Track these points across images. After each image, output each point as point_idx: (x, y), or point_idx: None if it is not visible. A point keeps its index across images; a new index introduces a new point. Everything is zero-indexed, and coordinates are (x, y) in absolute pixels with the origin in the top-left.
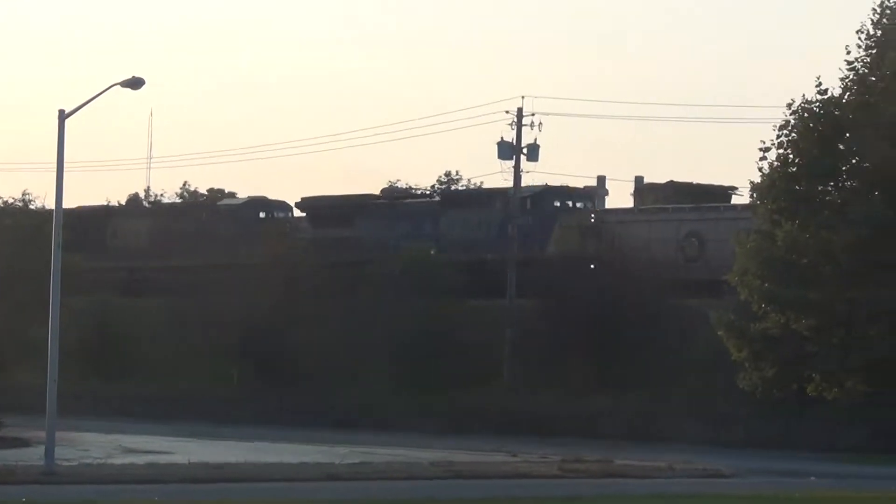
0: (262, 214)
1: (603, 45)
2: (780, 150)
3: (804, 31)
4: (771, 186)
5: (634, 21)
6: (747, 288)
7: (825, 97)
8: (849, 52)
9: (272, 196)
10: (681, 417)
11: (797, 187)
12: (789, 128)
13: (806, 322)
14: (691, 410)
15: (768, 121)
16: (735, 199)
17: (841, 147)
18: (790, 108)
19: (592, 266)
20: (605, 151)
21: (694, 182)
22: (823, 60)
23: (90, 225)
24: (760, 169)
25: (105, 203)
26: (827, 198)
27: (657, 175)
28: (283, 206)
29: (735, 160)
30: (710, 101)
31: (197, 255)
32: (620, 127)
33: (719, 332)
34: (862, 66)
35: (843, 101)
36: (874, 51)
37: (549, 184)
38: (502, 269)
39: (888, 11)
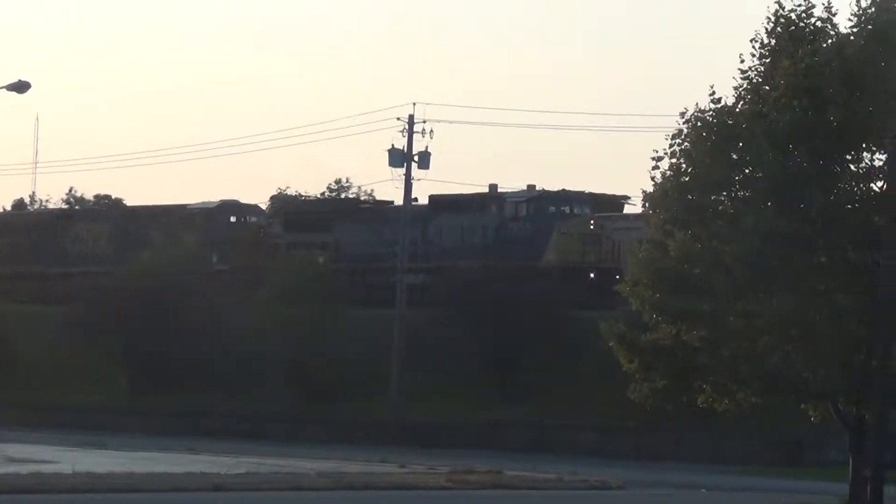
0: (232, 219)
1: (496, 52)
2: (673, 160)
3: (699, 40)
4: (663, 196)
5: (527, 28)
6: (639, 298)
7: (718, 106)
8: (742, 62)
9: (245, 200)
10: (572, 429)
11: (690, 197)
12: (682, 137)
13: (697, 333)
14: (582, 421)
15: (661, 130)
16: (628, 209)
17: (734, 157)
18: (683, 118)
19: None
20: (497, 159)
21: (586, 191)
22: (718, 69)
23: (49, 230)
24: (653, 178)
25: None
26: (720, 208)
27: (549, 183)
28: (256, 211)
29: (628, 169)
30: (603, 109)
31: (160, 261)
32: (513, 135)
33: (610, 343)
34: (756, 76)
35: (737, 110)
36: (768, 60)
37: (545, 189)
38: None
39: (782, 20)
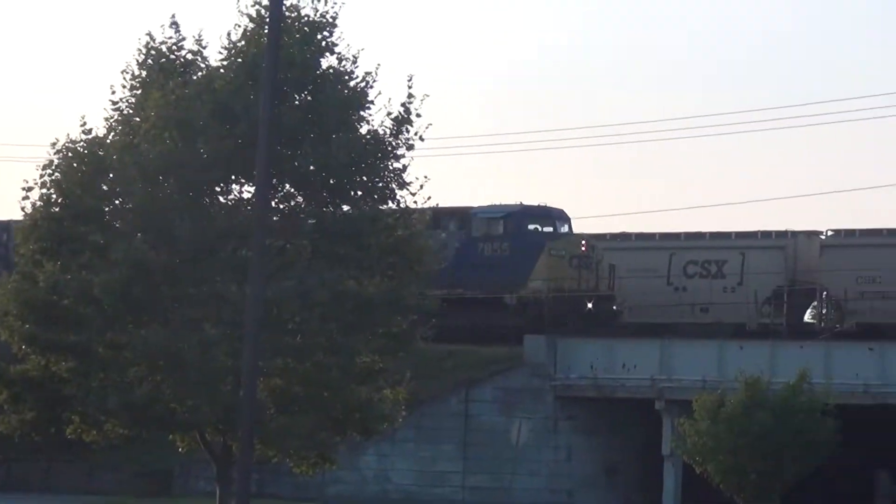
0: None
1: None
2: (44, 190)
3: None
4: (34, 227)
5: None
6: (8, 329)
7: (90, 137)
8: (114, 92)
9: None
10: None
11: (61, 228)
12: (53, 167)
13: (66, 364)
14: None
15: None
16: None
17: (105, 187)
18: (54, 148)
19: None
20: None
21: None
22: (91, 100)
23: None
24: (23, 209)
25: None
26: (90, 238)
27: None
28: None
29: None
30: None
31: None
32: None
33: None
34: (127, 107)
35: (108, 141)
36: (139, 91)
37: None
38: None
39: (153, 52)
